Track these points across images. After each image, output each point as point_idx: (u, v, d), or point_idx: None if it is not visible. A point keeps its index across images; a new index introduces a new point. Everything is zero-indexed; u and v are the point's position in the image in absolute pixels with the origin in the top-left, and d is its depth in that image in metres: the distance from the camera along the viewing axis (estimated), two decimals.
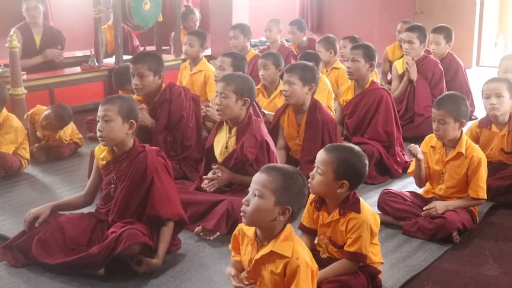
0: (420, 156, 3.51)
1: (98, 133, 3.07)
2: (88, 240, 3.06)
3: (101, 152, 3.21)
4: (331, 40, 5.94)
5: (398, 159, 4.52)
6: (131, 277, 2.92)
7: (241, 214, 2.33)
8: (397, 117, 4.68)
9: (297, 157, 4.18)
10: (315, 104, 4.08)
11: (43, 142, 4.94)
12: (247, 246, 2.41)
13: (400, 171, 4.48)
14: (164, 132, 4.19)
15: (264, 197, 2.26)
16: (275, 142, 4.08)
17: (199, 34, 5.71)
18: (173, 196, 3.13)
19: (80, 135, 5.20)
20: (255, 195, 2.28)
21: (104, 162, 3.18)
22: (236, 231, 2.51)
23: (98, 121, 3.07)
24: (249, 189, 2.34)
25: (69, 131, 4.98)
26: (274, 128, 4.24)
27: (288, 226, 2.33)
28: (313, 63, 5.02)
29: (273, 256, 2.28)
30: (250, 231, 2.40)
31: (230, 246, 2.59)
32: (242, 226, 2.45)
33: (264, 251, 2.29)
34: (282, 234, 2.29)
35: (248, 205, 2.29)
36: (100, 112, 3.06)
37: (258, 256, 2.31)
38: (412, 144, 3.54)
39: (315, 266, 2.33)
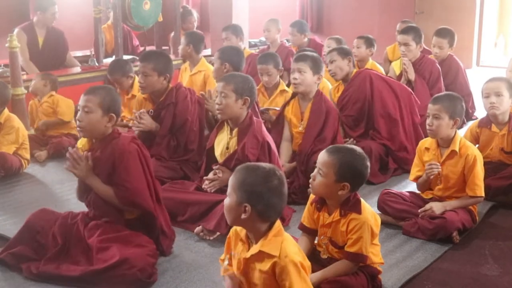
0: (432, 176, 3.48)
1: (77, 123, 3.01)
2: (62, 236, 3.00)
3: (81, 141, 3.18)
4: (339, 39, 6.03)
5: (399, 154, 4.56)
6: None
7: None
8: (396, 92, 4.72)
9: (295, 148, 4.17)
10: (320, 93, 4.14)
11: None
12: (239, 247, 2.40)
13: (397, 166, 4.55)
14: (168, 135, 4.18)
15: (230, 195, 2.30)
16: (279, 134, 4.13)
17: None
18: (134, 184, 2.97)
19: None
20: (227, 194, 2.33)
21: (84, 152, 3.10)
22: (230, 233, 2.49)
23: (79, 110, 3.00)
24: None
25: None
26: (279, 120, 4.25)
27: (277, 224, 2.31)
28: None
29: (261, 255, 2.27)
30: (242, 231, 2.39)
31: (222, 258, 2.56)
32: (235, 227, 2.45)
33: (253, 250, 2.29)
34: (270, 232, 2.28)
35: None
36: (81, 102, 3.00)
37: (248, 255, 2.31)
38: (435, 164, 3.45)
39: (306, 262, 2.31)
